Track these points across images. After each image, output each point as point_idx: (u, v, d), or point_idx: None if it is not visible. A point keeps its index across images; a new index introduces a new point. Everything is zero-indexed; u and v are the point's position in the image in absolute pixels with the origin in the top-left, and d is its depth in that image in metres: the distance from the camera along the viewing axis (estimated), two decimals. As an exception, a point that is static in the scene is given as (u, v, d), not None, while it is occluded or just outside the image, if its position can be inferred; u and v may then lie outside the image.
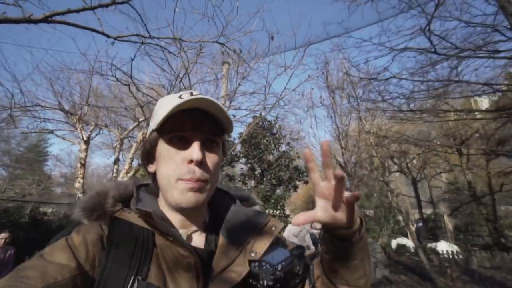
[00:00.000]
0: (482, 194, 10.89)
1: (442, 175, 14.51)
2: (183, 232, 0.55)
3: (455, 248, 8.36)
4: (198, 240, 0.57)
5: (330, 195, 0.47)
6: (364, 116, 7.05)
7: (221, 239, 0.56)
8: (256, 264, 0.50)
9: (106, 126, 7.13)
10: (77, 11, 1.85)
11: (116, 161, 6.73)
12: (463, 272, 6.63)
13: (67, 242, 0.48)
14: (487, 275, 6.51)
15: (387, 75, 2.76)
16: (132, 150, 6.70)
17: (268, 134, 9.61)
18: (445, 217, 10.83)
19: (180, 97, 0.54)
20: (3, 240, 3.84)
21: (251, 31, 3.95)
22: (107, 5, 1.97)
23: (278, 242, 0.62)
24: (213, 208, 0.64)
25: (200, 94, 0.54)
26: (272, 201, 8.63)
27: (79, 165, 5.69)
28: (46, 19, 1.73)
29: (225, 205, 0.65)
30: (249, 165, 9.78)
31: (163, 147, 0.55)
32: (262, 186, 9.19)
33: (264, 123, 9.79)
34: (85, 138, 5.89)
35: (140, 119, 6.79)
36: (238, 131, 9.92)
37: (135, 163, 6.99)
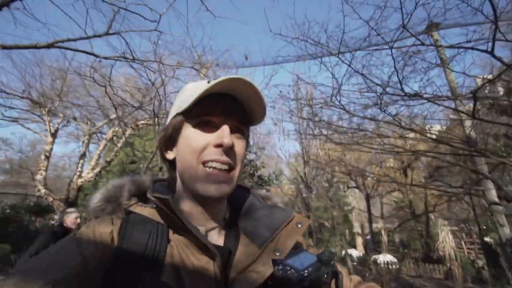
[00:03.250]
0: (419, 213, 12.39)
1: (393, 194, 16.08)
2: (201, 229, 0.50)
3: (388, 258, 9.50)
4: (217, 237, 0.54)
5: None
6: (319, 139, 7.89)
7: (242, 237, 0.53)
8: (280, 267, 0.46)
9: (75, 119, 7.13)
10: (75, 40, 2.24)
11: (83, 156, 6.77)
12: (393, 280, 7.73)
13: (75, 237, 0.46)
14: (409, 282, 7.70)
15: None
16: (101, 147, 6.79)
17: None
18: (383, 232, 12.18)
19: (208, 82, 0.51)
20: (75, 219, 3.06)
21: (221, 62, 4.56)
22: (100, 36, 2.38)
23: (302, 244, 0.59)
24: (233, 204, 0.61)
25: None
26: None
27: (43, 157, 5.69)
28: (51, 45, 2.10)
29: (246, 202, 0.61)
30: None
31: (188, 131, 0.52)
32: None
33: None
34: (52, 131, 5.92)
35: (112, 117, 6.91)
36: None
37: (101, 161, 7.06)
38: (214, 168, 0.49)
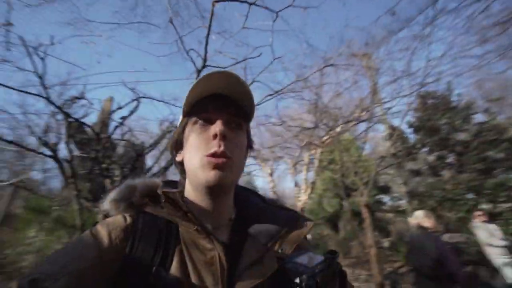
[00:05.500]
0: None
1: None
2: (208, 227, 0.52)
3: None
4: (224, 235, 0.55)
5: None
6: None
7: (248, 235, 0.55)
8: (290, 265, 0.47)
9: (280, 158, 8.89)
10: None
11: (296, 184, 8.12)
12: None
13: (91, 232, 0.49)
14: None
15: None
16: (304, 172, 7.85)
17: (445, 110, 7.60)
18: None
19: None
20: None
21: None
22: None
23: (306, 245, 0.60)
24: (240, 206, 0.62)
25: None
26: (488, 191, 6.41)
27: (271, 193, 7.52)
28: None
29: (252, 203, 0.63)
30: (435, 155, 8.03)
31: (189, 130, 0.57)
32: (464, 175, 7.14)
33: (436, 99, 7.89)
34: (269, 172, 7.78)
35: (302, 144, 7.94)
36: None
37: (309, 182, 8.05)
38: (214, 156, 0.52)
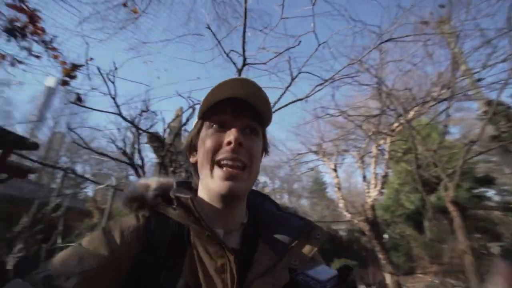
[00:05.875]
0: None
1: None
2: (219, 231, 0.52)
3: None
4: (235, 240, 0.54)
5: None
6: None
7: (260, 243, 0.53)
8: (302, 277, 0.46)
9: (346, 151, 8.23)
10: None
11: (364, 178, 7.37)
12: None
13: (103, 231, 0.50)
14: None
15: None
16: (373, 165, 7.04)
17: None
18: None
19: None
20: None
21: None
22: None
23: (319, 257, 0.59)
24: (252, 210, 0.62)
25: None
26: None
27: (336, 189, 7.02)
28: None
29: (265, 209, 0.62)
30: None
31: (204, 133, 0.56)
32: None
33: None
34: (332, 167, 7.28)
35: (369, 134, 7.15)
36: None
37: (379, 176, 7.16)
38: (227, 165, 0.52)
